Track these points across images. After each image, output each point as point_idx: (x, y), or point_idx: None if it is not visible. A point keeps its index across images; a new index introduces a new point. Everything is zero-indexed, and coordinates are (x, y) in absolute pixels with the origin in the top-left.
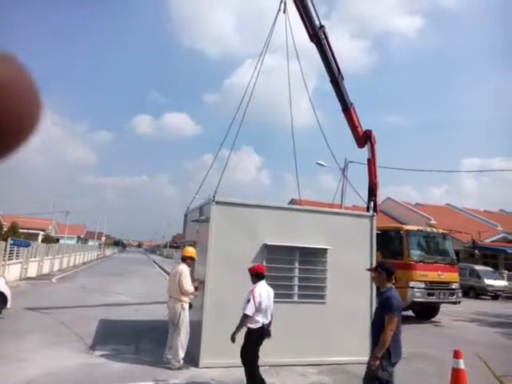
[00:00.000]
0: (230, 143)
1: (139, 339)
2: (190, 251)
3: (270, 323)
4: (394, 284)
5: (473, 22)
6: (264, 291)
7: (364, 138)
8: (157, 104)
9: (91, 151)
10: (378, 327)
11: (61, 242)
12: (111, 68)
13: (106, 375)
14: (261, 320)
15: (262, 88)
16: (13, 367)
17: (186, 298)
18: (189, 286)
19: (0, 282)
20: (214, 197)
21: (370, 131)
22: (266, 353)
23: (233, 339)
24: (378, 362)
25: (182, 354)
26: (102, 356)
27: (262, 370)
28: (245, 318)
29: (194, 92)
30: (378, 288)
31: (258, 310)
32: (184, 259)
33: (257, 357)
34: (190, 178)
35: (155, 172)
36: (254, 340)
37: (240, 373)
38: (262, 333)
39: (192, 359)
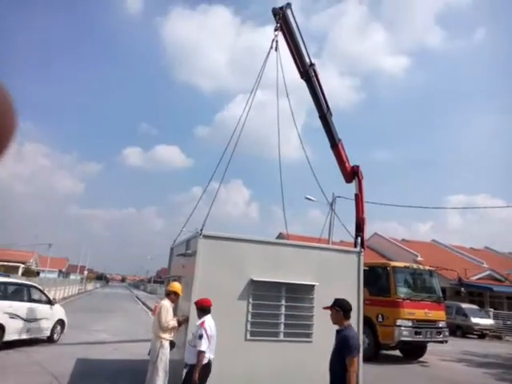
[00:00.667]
0: (220, 176)
1: (118, 380)
2: (176, 286)
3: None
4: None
5: (457, 63)
6: (212, 325)
7: (352, 174)
8: (148, 136)
9: (78, 182)
10: (336, 371)
11: (41, 275)
12: (102, 99)
13: None
14: (207, 355)
15: (252, 122)
16: None
17: (165, 335)
18: (168, 320)
19: (60, 311)
20: (201, 230)
21: (357, 167)
22: None
23: (195, 382)
24: None
25: None
26: None
27: None
28: (201, 354)
29: (186, 125)
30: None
31: (210, 345)
32: (168, 294)
33: None
34: (178, 211)
35: (143, 204)
36: (199, 377)
37: None
38: (208, 369)
39: None
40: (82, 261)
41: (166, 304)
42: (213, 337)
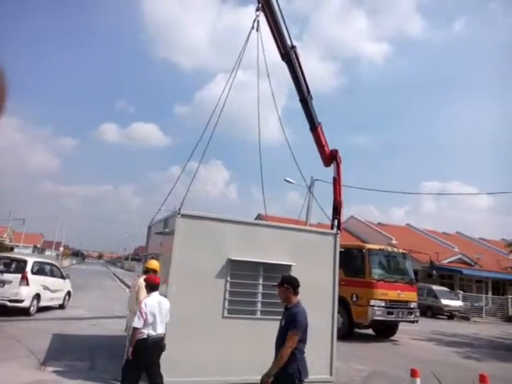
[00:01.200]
0: (199, 156)
1: (95, 355)
2: (154, 264)
3: (163, 335)
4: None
5: (436, 51)
6: (153, 302)
7: (330, 157)
8: (125, 113)
9: (53, 158)
10: (280, 346)
11: (15, 250)
12: (78, 73)
13: None
14: (146, 332)
15: (232, 103)
16: None
17: None
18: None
19: (68, 284)
20: (179, 209)
21: (336, 151)
22: (228, 371)
23: (127, 356)
24: (269, 381)
25: None
26: (54, 372)
27: None
28: (134, 331)
29: (165, 103)
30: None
31: (146, 322)
32: (146, 272)
33: (135, 372)
34: (155, 190)
35: (120, 182)
36: (134, 351)
37: None
38: (145, 345)
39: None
40: (58, 237)
41: (140, 282)
42: (153, 313)
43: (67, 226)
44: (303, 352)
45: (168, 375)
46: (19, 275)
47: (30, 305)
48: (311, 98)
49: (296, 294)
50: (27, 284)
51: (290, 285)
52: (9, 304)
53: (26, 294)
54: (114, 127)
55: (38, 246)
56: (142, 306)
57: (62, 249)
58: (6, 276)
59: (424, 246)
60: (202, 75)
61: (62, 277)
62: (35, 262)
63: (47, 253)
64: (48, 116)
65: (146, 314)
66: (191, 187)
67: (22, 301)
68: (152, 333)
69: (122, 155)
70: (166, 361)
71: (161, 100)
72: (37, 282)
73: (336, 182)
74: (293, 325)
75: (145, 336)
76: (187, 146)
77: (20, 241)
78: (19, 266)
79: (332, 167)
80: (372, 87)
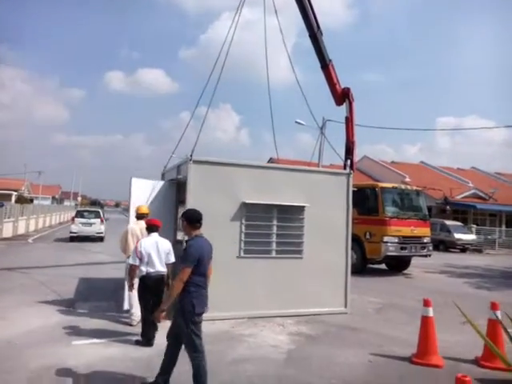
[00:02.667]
0: (208, 101)
1: (119, 296)
2: (143, 208)
3: (165, 273)
4: None
5: None
6: (149, 242)
7: (342, 96)
8: (130, 59)
9: (62, 109)
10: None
11: (35, 202)
12: (81, 21)
13: (87, 331)
14: (144, 269)
15: (240, 43)
16: None
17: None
18: (123, 245)
19: (106, 225)
20: (191, 155)
21: (348, 89)
22: (245, 306)
23: (129, 288)
24: (163, 315)
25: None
26: (82, 313)
27: (239, 322)
28: (130, 267)
29: (170, 47)
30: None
31: (142, 260)
32: (139, 217)
33: (146, 303)
34: (166, 137)
35: (130, 131)
36: (138, 288)
37: (222, 325)
38: (146, 281)
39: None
40: (75, 187)
41: (130, 228)
42: (149, 253)
43: (83, 177)
44: (199, 286)
45: None
46: (98, 219)
47: (104, 234)
48: (321, 33)
49: (194, 227)
50: (102, 223)
51: (186, 219)
52: (96, 235)
53: (103, 229)
54: (120, 75)
55: (56, 196)
56: (138, 245)
57: (79, 199)
58: (92, 220)
59: (438, 182)
60: (206, 15)
61: (102, 220)
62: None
63: (66, 203)
64: (54, 66)
65: (140, 252)
66: (202, 133)
67: (102, 233)
68: (150, 270)
69: (131, 104)
70: None
71: (165, 44)
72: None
73: (348, 121)
74: (184, 258)
75: (144, 273)
76: (196, 91)
77: (38, 192)
78: (97, 214)
79: (344, 106)
80: (385, 20)
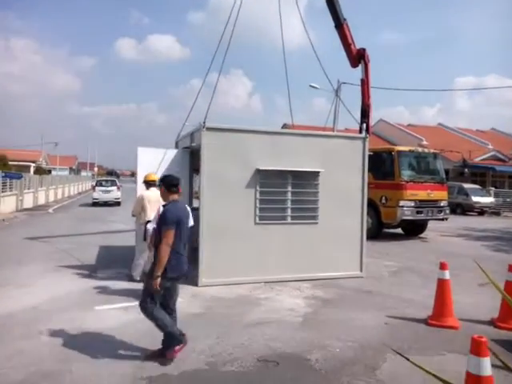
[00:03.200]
0: (219, 67)
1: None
2: (152, 176)
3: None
4: None
5: None
6: (148, 194)
7: (357, 57)
8: (139, 25)
9: (74, 79)
10: (156, 245)
11: (53, 173)
12: None
13: (110, 296)
14: (144, 218)
15: (251, 7)
16: (19, 293)
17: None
18: (135, 209)
19: (119, 193)
20: (204, 123)
21: (363, 49)
22: (262, 271)
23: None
24: (158, 281)
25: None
26: (104, 279)
27: (256, 286)
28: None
29: (179, 11)
30: None
31: (144, 210)
32: (147, 184)
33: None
34: (178, 105)
35: (143, 100)
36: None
37: (239, 289)
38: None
39: (191, 280)
40: (90, 158)
41: (145, 195)
42: (148, 203)
43: (98, 147)
44: (177, 251)
45: (209, 277)
46: (115, 187)
47: (121, 200)
48: None
49: (171, 192)
50: (119, 190)
51: (164, 184)
52: (114, 200)
53: (120, 195)
54: (130, 42)
55: (73, 167)
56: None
57: (96, 169)
58: (110, 188)
59: (456, 144)
60: None
61: (118, 188)
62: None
63: (83, 173)
64: (63, 36)
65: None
66: (214, 101)
67: (119, 198)
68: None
69: (142, 72)
70: (206, 264)
71: (175, 8)
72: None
73: (364, 83)
74: (163, 222)
75: (145, 221)
76: (206, 56)
77: (56, 163)
78: (114, 182)
79: (359, 68)
80: None
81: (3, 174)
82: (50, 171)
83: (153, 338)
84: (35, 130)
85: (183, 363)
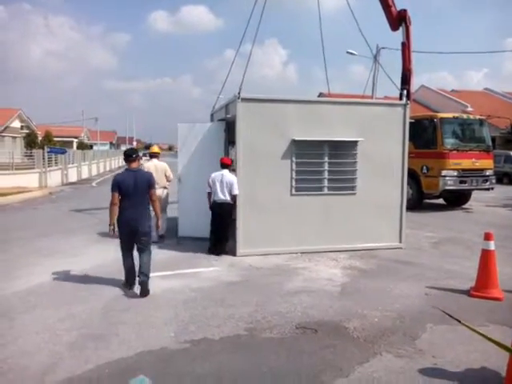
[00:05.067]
0: (253, 37)
1: (177, 232)
2: (155, 148)
3: (226, 201)
4: None
5: None
6: (216, 176)
7: (398, 19)
8: None
9: (111, 55)
10: None
11: (94, 148)
12: None
13: (154, 264)
14: (214, 198)
15: None
16: (67, 261)
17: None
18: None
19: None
20: (239, 94)
21: (404, 11)
22: (299, 241)
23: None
24: (111, 228)
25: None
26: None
27: (294, 256)
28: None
29: None
30: None
31: (212, 190)
32: (152, 156)
33: (212, 225)
34: (213, 78)
35: (178, 73)
36: (211, 211)
37: (276, 259)
38: (212, 207)
39: (230, 250)
40: (129, 132)
41: (146, 166)
42: (215, 184)
43: (136, 121)
44: (124, 208)
45: (246, 247)
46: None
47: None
48: None
49: (128, 161)
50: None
51: (123, 155)
52: None
53: None
54: (164, 14)
55: (113, 142)
56: (208, 178)
57: (135, 143)
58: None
59: (504, 110)
60: None
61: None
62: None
63: (122, 148)
64: (98, 12)
65: (208, 182)
66: (248, 72)
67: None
68: (214, 198)
69: (176, 44)
70: (243, 235)
71: None
72: None
73: (405, 47)
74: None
75: (212, 200)
76: (241, 27)
77: (96, 138)
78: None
79: (400, 31)
80: None
81: (48, 150)
82: (91, 146)
83: (192, 303)
84: (76, 106)
85: (223, 329)
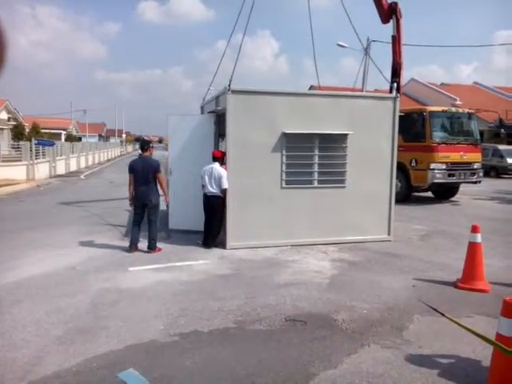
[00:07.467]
0: (244, 27)
1: (167, 226)
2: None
3: (215, 194)
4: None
5: None
6: (206, 169)
7: (389, 12)
8: None
9: (100, 45)
10: None
11: (83, 140)
12: None
13: (142, 258)
14: (203, 190)
15: None
16: (56, 254)
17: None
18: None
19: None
20: (229, 86)
21: (395, 3)
22: (288, 234)
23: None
24: (129, 202)
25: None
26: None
27: (283, 249)
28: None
29: None
30: None
31: (202, 182)
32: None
33: (205, 217)
34: (203, 70)
35: (168, 64)
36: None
37: (266, 252)
38: (203, 200)
39: (220, 243)
40: (118, 125)
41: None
42: (205, 177)
43: (125, 114)
44: (136, 186)
45: (236, 240)
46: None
47: None
48: None
49: (142, 150)
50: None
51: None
52: None
53: None
54: (153, 4)
55: (102, 134)
56: (201, 171)
57: (124, 136)
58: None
59: (493, 104)
60: None
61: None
62: None
63: (111, 140)
64: (86, 2)
65: (201, 177)
66: (239, 64)
67: None
68: (205, 191)
69: (166, 36)
70: (233, 228)
71: None
72: None
73: (395, 40)
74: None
75: (203, 192)
76: (232, 17)
77: (85, 131)
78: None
79: (391, 24)
80: None
81: (36, 142)
82: (80, 138)
83: (182, 296)
84: (64, 97)
85: (213, 321)
